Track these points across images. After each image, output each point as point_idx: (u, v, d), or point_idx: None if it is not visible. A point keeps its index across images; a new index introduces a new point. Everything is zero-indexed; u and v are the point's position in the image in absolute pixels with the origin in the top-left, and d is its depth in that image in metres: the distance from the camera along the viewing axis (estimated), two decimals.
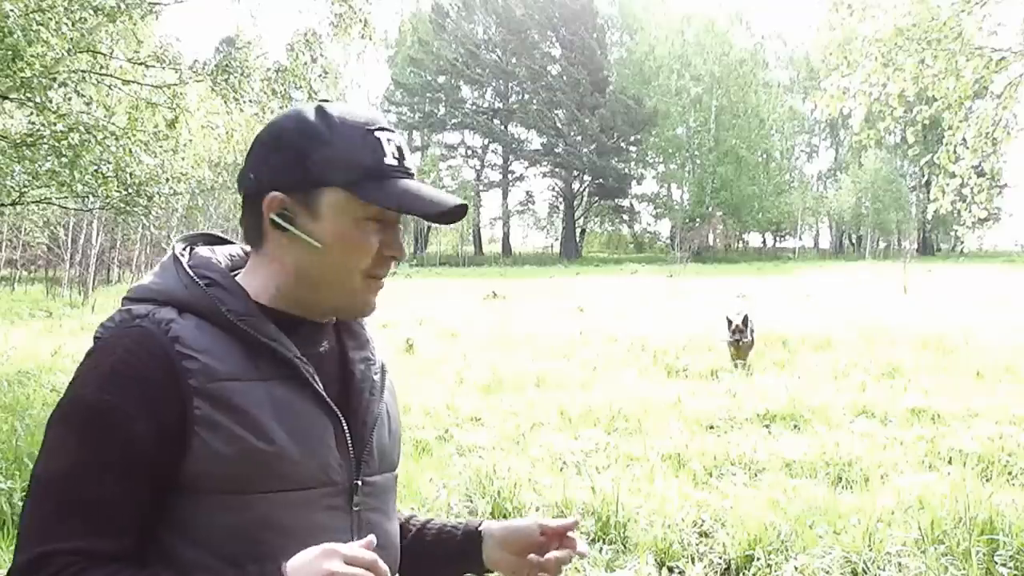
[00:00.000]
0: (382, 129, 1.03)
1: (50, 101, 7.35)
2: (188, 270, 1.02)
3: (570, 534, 1.21)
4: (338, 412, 1.05)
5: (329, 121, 1.02)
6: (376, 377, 1.13)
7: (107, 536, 0.93)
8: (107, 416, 0.93)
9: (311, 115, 1.03)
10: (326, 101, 1.07)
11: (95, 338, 1.02)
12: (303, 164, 1.00)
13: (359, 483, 1.07)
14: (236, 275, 1.07)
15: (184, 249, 1.08)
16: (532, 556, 1.17)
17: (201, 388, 0.95)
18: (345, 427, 1.06)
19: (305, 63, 9.05)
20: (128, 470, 0.93)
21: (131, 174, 7.82)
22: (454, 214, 1.05)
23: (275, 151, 1.02)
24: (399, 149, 1.04)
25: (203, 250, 1.09)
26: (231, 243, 1.15)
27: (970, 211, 7.03)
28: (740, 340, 8.24)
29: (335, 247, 1.02)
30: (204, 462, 0.94)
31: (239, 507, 0.96)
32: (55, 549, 0.91)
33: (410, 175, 1.04)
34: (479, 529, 1.23)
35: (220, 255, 1.10)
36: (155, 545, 0.96)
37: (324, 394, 1.04)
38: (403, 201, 1.02)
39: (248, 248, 1.10)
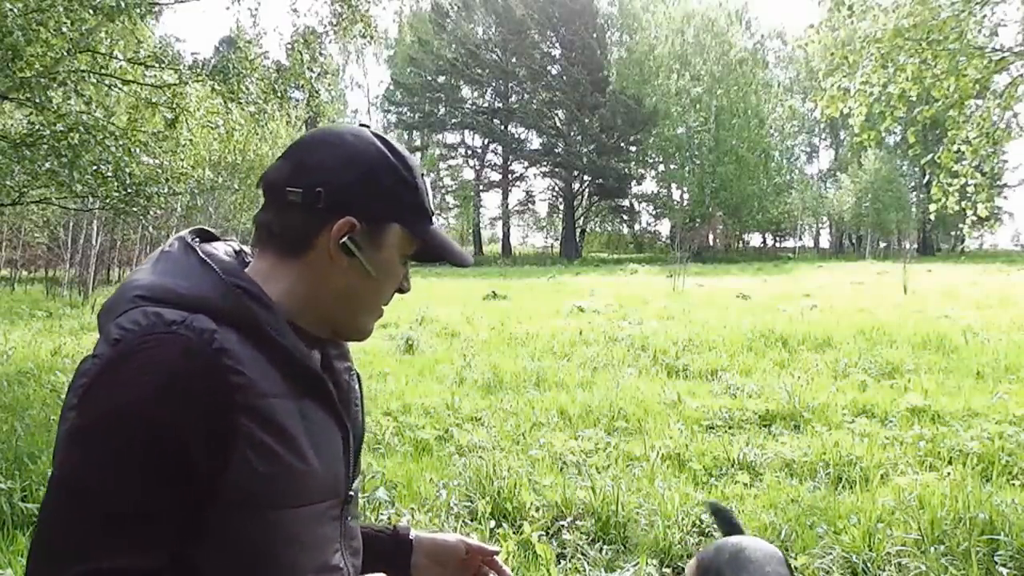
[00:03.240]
0: (420, 169, 1.11)
1: (50, 101, 7.36)
2: (223, 276, 0.99)
3: (497, 559, 1.32)
4: (348, 426, 1.09)
5: (404, 161, 1.08)
6: (357, 388, 1.17)
7: (151, 553, 0.88)
8: (161, 431, 0.88)
9: (383, 147, 1.07)
10: (366, 126, 1.11)
11: (115, 340, 0.93)
12: (385, 199, 1.05)
13: (351, 494, 1.11)
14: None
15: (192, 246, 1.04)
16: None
17: (247, 404, 0.93)
18: (351, 439, 1.10)
19: (305, 63, 9.05)
20: (177, 486, 0.89)
21: (130, 174, 7.82)
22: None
23: (359, 178, 1.04)
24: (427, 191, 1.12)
25: (216, 249, 1.06)
26: (219, 239, 1.12)
27: (974, 210, 7.03)
28: None
29: (382, 277, 1.08)
30: (242, 479, 0.92)
31: (267, 522, 0.96)
32: (99, 568, 0.85)
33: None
34: (410, 538, 1.30)
35: (226, 254, 1.07)
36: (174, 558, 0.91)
37: (340, 410, 1.07)
38: (443, 249, 1.11)
39: (241, 247, 1.11)
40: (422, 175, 1.11)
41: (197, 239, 1.06)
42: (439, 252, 1.12)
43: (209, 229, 1.12)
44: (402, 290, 1.14)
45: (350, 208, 1.03)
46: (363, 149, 1.06)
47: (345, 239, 1.03)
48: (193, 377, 0.90)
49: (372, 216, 1.04)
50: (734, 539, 1.99)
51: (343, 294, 1.07)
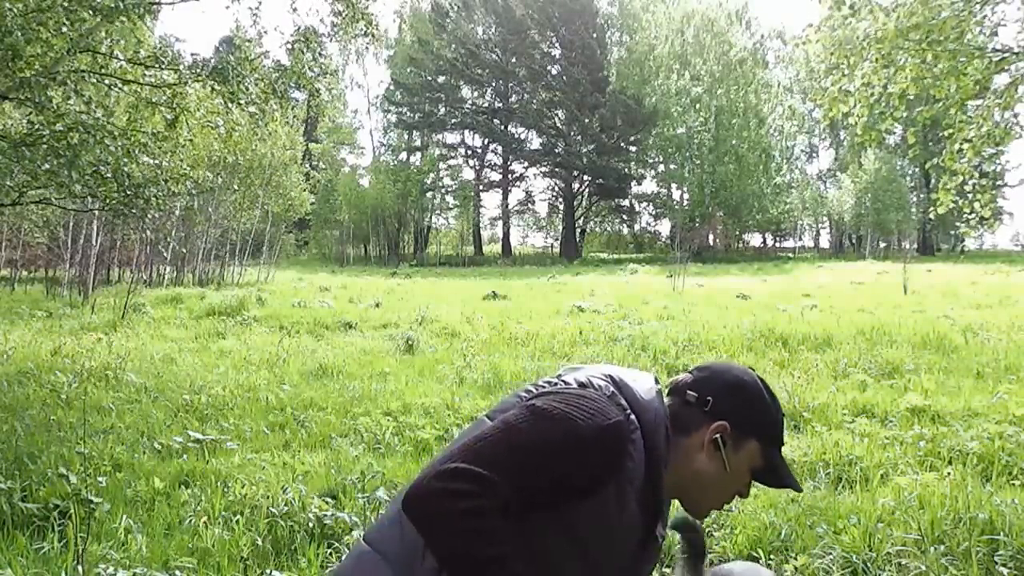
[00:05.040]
0: (782, 414, 1.51)
1: (50, 101, 7.35)
2: (663, 409, 1.43)
3: None
4: (644, 565, 1.47)
5: (775, 402, 1.50)
6: (660, 551, 1.54)
7: (519, 501, 1.25)
8: (577, 451, 1.29)
9: (763, 387, 1.49)
10: (752, 369, 1.54)
11: (583, 384, 1.40)
12: (754, 420, 1.46)
13: None
14: None
15: (662, 394, 1.48)
16: None
17: (618, 479, 1.32)
18: (638, 566, 1.46)
19: (306, 63, 9.04)
20: (560, 480, 1.29)
21: (129, 175, 7.80)
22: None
23: (741, 401, 1.46)
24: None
25: (663, 404, 1.47)
26: (667, 397, 1.52)
27: (972, 209, 7.02)
28: None
29: (732, 476, 1.46)
30: (575, 514, 1.31)
31: (565, 553, 1.33)
32: (500, 484, 1.23)
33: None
34: None
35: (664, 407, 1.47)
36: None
37: (651, 553, 1.46)
38: (783, 476, 1.48)
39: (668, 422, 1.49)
40: (783, 416, 1.51)
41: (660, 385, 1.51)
42: (777, 473, 1.47)
43: (671, 388, 1.55)
44: (742, 495, 1.50)
45: (727, 417, 1.44)
46: (749, 383, 1.48)
47: (717, 436, 1.44)
48: (611, 441, 1.32)
49: (741, 428, 1.45)
50: (728, 566, 2.07)
51: (699, 476, 1.45)
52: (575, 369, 1.49)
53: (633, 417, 1.36)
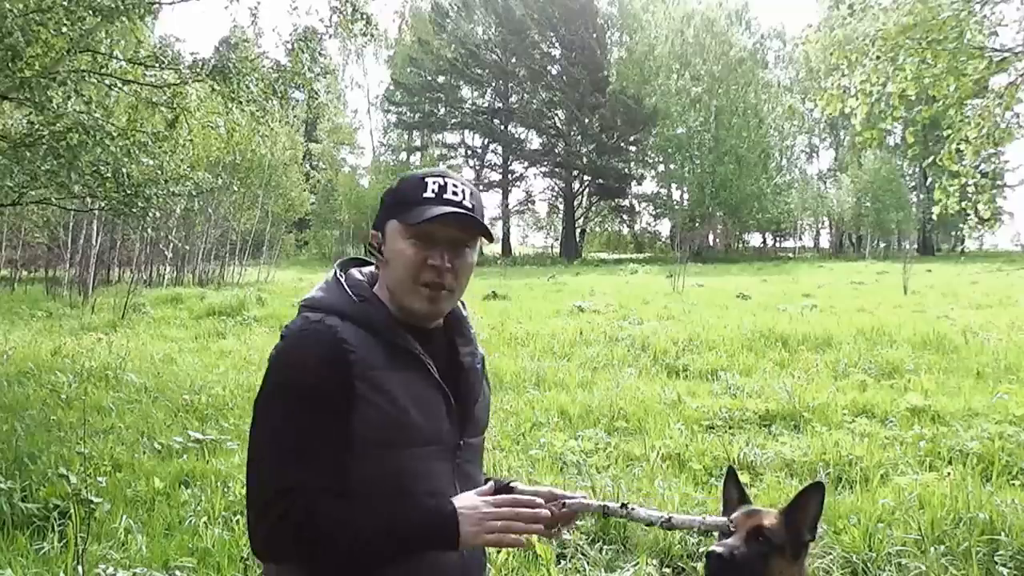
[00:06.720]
0: (432, 175, 1.46)
1: (50, 101, 7.34)
2: (348, 290, 1.46)
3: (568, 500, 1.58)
4: (448, 392, 1.46)
5: (404, 178, 1.49)
6: (478, 366, 1.57)
7: (322, 475, 1.31)
8: (309, 392, 1.33)
9: (398, 183, 1.50)
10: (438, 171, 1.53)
11: (282, 335, 1.42)
12: (383, 211, 1.49)
13: (461, 443, 1.49)
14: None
15: (341, 271, 1.52)
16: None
17: (360, 374, 1.35)
18: (453, 402, 1.46)
19: (305, 64, 9.04)
20: (327, 428, 1.33)
21: (128, 175, 7.80)
22: (465, 223, 1.45)
23: (381, 209, 1.50)
24: (441, 187, 1.45)
25: (355, 272, 1.53)
26: (370, 263, 1.58)
27: (975, 210, 7.01)
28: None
29: (393, 262, 1.45)
30: (362, 427, 1.34)
31: (386, 459, 1.37)
32: (293, 485, 1.30)
33: (448, 203, 1.43)
34: (510, 484, 1.61)
35: (365, 275, 1.53)
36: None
37: (439, 379, 1.45)
38: (415, 215, 1.41)
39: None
40: (424, 177, 1.45)
41: (340, 268, 1.53)
42: (411, 219, 1.41)
43: (363, 257, 1.62)
44: (434, 263, 1.42)
45: (373, 226, 1.51)
46: (388, 191, 1.51)
47: (370, 244, 1.50)
48: (323, 356, 1.34)
49: (379, 224, 1.49)
50: None
51: (388, 284, 1.46)
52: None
53: (330, 318, 1.39)
